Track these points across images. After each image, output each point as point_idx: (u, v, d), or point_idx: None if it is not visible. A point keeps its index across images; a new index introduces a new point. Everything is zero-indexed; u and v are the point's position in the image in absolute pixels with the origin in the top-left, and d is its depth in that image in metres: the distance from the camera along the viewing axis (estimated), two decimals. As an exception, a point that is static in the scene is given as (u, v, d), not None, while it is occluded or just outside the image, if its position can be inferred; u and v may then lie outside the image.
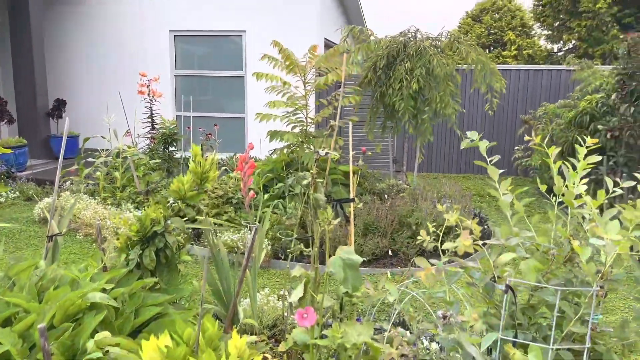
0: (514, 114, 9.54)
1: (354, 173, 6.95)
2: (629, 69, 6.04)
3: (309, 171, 6.41)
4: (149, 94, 6.61)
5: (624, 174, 5.97)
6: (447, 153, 9.99)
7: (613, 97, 6.31)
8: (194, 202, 2.55)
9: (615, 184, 1.71)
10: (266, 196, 5.54)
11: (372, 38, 6.03)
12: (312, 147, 5.40)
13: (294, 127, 5.78)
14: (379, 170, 7.00)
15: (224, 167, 6.35)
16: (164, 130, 6.14)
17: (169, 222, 2.61)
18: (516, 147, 8.74)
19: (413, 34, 5.94)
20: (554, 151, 2.02)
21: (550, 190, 2.04)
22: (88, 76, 10.49)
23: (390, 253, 5.04)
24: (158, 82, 6.67)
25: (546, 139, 7.95)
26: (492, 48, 28.17)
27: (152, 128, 6.64)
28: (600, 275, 1.57)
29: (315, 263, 2.01)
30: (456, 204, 5.89)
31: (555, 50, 23.17)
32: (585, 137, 2.07)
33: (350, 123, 3.69)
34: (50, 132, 9.67)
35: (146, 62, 9.85)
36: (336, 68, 5.42)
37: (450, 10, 41.94)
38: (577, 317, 1.60)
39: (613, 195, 1.78)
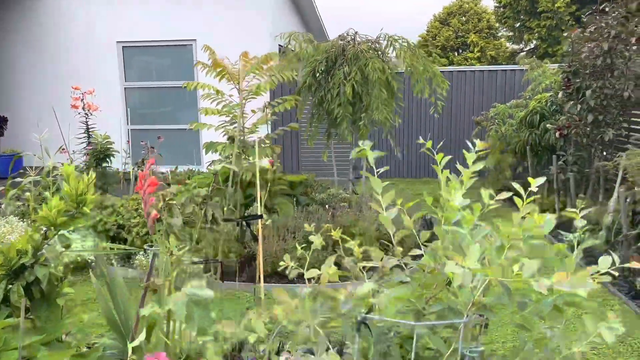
0: (470, 115, 9.43)
1: (300, 182, 6.62)
2: (573, 66, 5.95)
3: (251, 183, 6.04)
4: (83, 108, 6.30)
5: (572, 173, 5.87)
6: (406, 158, 9.82)
7: (560, 95, 6.22)
8: (67, 229, 2.29)
9: (491, 197, 1.51)
10: (204, 211, 5.26)
11: (309, 44, 5.80)
12: (249, 158, 5.15)
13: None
14: (327, 178, 6.78)
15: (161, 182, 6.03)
16: (97, 146, 5.84)
17: (43, 251, 2.34)
18: (472, 149, 8.60)
19: (352, 37, 5.74)
20: (442, 158, 1.83)
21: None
22: (32, 91, 10.05)
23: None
24: (93, 95, 6.35)
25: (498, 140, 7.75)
26: (460, 50, 28.40)
27: (89, 144, 6.32)
28: (471, 303, 1.36)
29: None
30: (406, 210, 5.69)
31: (518, 50, 23.41)
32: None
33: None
34: (-7, 150, 9.25)
35: (95, 75, 9.46)
36: (272, 75, 5.19)
37: (418, 15, 42.30)
38: (449, 352, 1.39)
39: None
